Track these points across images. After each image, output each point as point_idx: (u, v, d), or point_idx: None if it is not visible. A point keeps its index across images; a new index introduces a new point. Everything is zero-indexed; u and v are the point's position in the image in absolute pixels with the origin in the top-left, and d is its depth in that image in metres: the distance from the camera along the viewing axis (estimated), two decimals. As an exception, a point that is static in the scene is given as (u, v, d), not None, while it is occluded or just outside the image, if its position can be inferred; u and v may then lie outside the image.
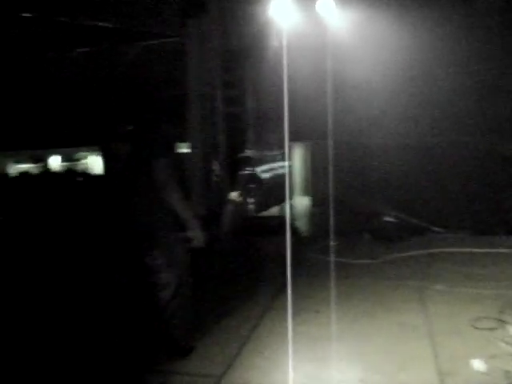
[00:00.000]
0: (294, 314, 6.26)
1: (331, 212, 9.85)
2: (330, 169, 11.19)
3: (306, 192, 18.13)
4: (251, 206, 13.25)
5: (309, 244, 11.04)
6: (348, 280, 8.47)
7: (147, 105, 6.28)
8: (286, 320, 5.48)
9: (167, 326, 5.85)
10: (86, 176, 20.53)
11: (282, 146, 13.79)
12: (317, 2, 11.38)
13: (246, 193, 13.21)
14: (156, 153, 5.44)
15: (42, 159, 24.78)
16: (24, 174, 21.05)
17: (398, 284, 8.24)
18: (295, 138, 13.72)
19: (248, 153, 13.52)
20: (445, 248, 10.17)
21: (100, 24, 15.25)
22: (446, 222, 11.65)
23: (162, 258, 5.67)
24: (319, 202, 15.46)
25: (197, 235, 5.61)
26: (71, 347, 6.35)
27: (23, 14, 13.97)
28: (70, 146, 22.65)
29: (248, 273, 9.36)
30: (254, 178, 13.43)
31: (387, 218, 11.71)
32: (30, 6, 13.18)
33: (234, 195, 12.69)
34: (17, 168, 24.32)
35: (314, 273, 8.93)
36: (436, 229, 11.68)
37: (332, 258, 9.13)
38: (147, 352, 6.07)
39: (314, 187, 17.25)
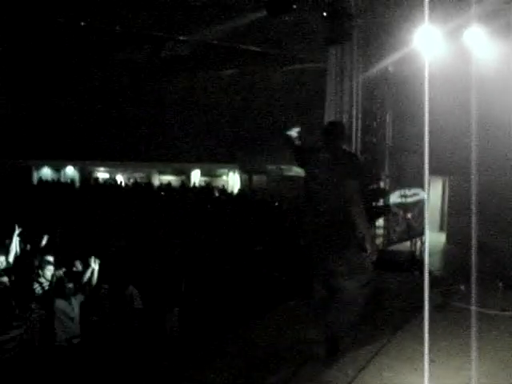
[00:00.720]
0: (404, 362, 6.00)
1: (468, 252, 9.30)
2: (470, 206, 10.63)
3: (441, 228, 17.39)
4: (380, 239, 12.87)
5: (438, 284, 10.48)
6: (472, 330, 7.89)
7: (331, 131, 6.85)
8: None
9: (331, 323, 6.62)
10: (224, 193, 21.34)
11: (419, 179, 13.31)
12: (464, 33, 10.94)
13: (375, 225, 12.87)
14: (350, 175, 6.41)
15: (183, 172, 26.05)
16: (168, 186, 22.22)
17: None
18: (434, 171, 13.24)
19: (382, 184, 13.17)
20: None
21: (248, 47, 15.81)
22: None
23: (345, 266, 6.52)
24: (454, 240, 14.75)
25: (373, 248, 6.67)
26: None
27: (179, 37, 14.82)
28: (211, 161, 23.59)
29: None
30: (386, 210, 13.04)
31: (525, 267, 10.80)
32: (181, 29, 13.97)
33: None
34: (161, 179, 25.76)
35: (439, 318, 8.42)
36: None
37: (460, 304, 8.60)
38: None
39: (450, 224, 16.50)
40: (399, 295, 9.91)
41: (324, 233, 6.53)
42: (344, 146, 7.01)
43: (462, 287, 9.55)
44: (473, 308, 8.92)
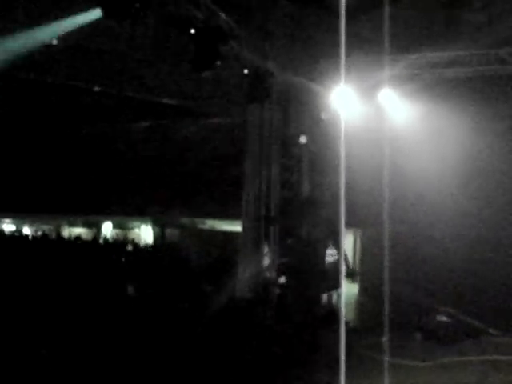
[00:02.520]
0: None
1: (381, 303, 9.51)
2: (382, 258, 10.92)
3: (353, 279, 17.74)
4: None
5: (356, 338, 10.61)
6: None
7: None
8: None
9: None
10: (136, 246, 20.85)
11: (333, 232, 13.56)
12: (379, 93, 11.51)
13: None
14: None
15: (94, 224, 25.34)
16: (77, 239, 21.43)
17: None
18: (346, 224, 13.56)
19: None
20: (501, 355, 9.58)
21: (164, 101, 15.80)
22: (505, 323, 11.05)
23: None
24: (368, 292, 15.09)
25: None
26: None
27: (94, 88, 14.58)
28: (122, 214, 23.11)
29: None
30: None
31: (440, 317, 11.19)
32: (98, 79, 13.76)
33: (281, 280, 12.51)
34: (71, 231, 24.92)
35: (362, 372, 8.50)
36: (493, 331, 11.09)
37: (381, 357, 8.72)
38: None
39: (362, 275, 16.89)
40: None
41: None
42: None
43: (384, 339, 9.72)
44: (396, 360, 9.11)
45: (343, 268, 13.61)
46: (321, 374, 8.39)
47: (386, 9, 9.55)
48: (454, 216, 12.43)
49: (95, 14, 7.45)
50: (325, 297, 13.49)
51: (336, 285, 13.49)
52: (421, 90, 11.19)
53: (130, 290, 12.18)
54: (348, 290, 15.54)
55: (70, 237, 21.90)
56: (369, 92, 11.41)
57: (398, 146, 11.31)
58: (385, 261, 10.87)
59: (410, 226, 13.01)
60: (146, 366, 8.26)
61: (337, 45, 7.96)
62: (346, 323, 12.57)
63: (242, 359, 8.93)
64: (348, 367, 7.09)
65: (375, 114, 11.51)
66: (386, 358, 8.61)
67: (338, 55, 8.88)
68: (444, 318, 11.22)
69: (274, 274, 12.52)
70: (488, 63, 10.93)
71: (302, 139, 12.40)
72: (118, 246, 20.75)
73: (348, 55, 9.61)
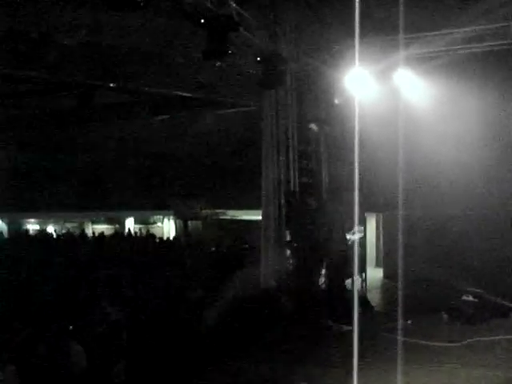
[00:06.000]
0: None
1: (407, 287, 9.42)
2: (405, 241, 10.82)
3: (377, 264, 17.67)
4: (321, 279, 12.87)
5: (381, 321, 10.55)
6: (424, 366, 7.93)
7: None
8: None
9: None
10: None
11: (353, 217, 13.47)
12: (394, 74, 11.36)
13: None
14: None
15: (117, 221, 25.50)
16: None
17: (484, 374, 7.61)
18: (368, 208, 13.50)
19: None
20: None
21: (179, 93, 15.80)
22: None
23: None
24: (392, 275, 15.00)
25: None
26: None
27: (110, 84, 14.63)
28: (144, 209, 23.23)
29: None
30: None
31: (466, 297, 11.06)
32: (114, 75, 13.80)
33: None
34: (94, 228, 25.11)
35: (388, 356, 8.41)
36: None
37: (407, 339, 8.64)
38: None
39: (386, 259, 16.80)
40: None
41: None
42: None
43: (409, 322, 9.63)
44: (422, 342, 9.03)
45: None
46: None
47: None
48: (476, 196, 12.29)
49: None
50: (349, 282, 13.41)
51: (360, 269, 13.44)
52: (437, 69, 11.01)
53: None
54: (373, 274, 15.51)
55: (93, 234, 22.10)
56: (384, 73, 11.26)
57: (415, 126, 11.18)
58: (407, 243, 10.80)
59: (431, 208, 12.90)
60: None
61: (351, 27, 7.86)
62: (372, 307, 12.62)
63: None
64: (371, 350, 7.03)
65: (391, 96, 11.36)
66: (409, 340, 8.52)
67: (352, 37, 8.81)
68: (470, 298, 11.08)
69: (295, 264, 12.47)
70: (505, 37, 10.70)
71: (314, 126, 12.32)
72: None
73: (362, 37, 9.54)
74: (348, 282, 13.21)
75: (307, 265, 12.40)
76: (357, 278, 12.84)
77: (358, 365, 6.59)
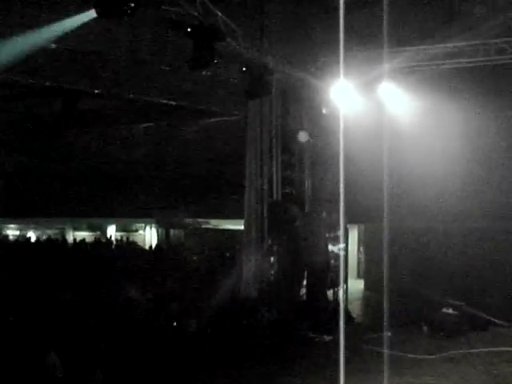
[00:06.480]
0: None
1: (388, 298, 9.47)
2: (385, 252, 10.89)
3: (358, 275, 17.71)
4: (302, 290, 12.87)
5: (362, 332, 10.58)
6: (403, 377, 7.96)
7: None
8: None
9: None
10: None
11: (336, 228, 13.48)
12: (378, 87, 11.45)
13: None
14: None
15: (99, 228, 25.31)
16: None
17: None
18: (349, 219, 13.54)
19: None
20: (508, 347, 9.51)
21: (163, 101, 15.76)
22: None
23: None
24: (373, 287, 15.06)
25: None
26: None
27: (95, 91, 14.54)
28: (126, 216, 23.09)
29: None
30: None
31: (446, 310, 11.13)
32: (99, 82, 13.73)
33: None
34: (75, 235, 24.89)
35: (368, 367, 8.44)
36: (500, 322, 11.03)
37: (387, 351, 8.67)
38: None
39: (367, 270, 16.86)
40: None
41: None
42: None
43: (389, 334, 9.67)
44: (402, 354, 9.06)
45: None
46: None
47: (385, 2, 9.52)
48: (457, 209, 12.38)
49: (89, 15, 7.39)
50: (330, 293, 13.44)
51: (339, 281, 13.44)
52: (420, 82, 11.13)
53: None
54: (354, 286, 15.55)
55: (74, 241, 21.87)
56: (368, 86, 11.34)
57: (399, 138, 11.28)
58: (388, 255, 10.86)
59: (413, 220, 12.96)
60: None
61: (336, 39, 7.91)
62: (353, 318, 12.63)
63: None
64: (352, 362, 7.05)
65: (375, 108, 11.45)
66: (389, 352, 8.55)
67: (337, 50, 8.88)
68: (450, 311, 11.16)
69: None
70: (487, 54, 10.85)
71: (302, 136, 12.36)
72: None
73: (347, 50, 9.61)
74: (329, 292, 13.27)
75: (289, 275, 12.38)
76: (340, 289, 12.91)
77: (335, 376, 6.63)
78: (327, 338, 10.34)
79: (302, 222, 12.59)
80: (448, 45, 11.06)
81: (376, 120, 11.39)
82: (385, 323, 9.64)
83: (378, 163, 11.35)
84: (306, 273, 12.61)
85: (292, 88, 12.31)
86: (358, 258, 18.20)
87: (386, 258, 10.76)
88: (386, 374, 7.41)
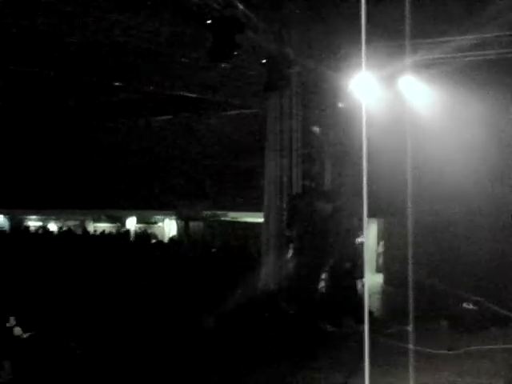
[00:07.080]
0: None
1: (407, 293, 9.39)
2: (406, 247, 10.79)
3: (377, 269, 17.63)
4: (321, 283, 12.82)
5: (381, 326, 10.51)
6: (423, 373, 7.88)
7: None
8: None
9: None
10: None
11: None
12: (399, 80, 11.34)
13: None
14: None
15: (118, 219, 25.51)
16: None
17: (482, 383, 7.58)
18: (369, 214, 13.39)
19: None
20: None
21: (183, 94, 15.79)
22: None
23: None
24: (392, 281, 14.98)
25: None
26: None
27: (115, 83, 14.61)
28: (146, 209, 23.22)
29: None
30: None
31: (467, 305, 11.02)
32: (118, 75, 13.79)
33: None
34: (95, 226, 25.14)
35: (389, 362, 8.38)
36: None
37: (406, 345, 8.61)
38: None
39: (387, 265, 16.76)
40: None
41: None
42: None
43: (408, 328, 9.60)
44: (421, 349, 8.98)
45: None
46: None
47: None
48: (479, 203, 12.24)
49: None
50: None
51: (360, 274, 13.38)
52: (443, 75, 10.98)
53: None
54: (373, 280, 15.49)
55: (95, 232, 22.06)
56: (390, 79, 11.23)
57: (420, 132, 11.15)
58: (409, 249, 10.76)
59: (435, 215, 12.85)
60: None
61: (358, 31, 7.82)
62: (371, 313, 12.56)
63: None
64: (373, 356, 7.00)
65: (396, 101, 11.34)
66: (409, 346, 8.48)
67: (358, 42, 8.77)
68: (470, 306, 11.05)
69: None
70: (510, 45, 10.67)
71: (316, 129, 12.30)
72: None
73: (369, 42, 9.50)
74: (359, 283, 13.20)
75: (310, 268, 12.35)
76: (362, 282, 12.85)
77: (357, 371, 6.57)
78: (330, 328, 10.34)
79: (333, 216, 12.51)
80: (471, 36, 10.89)
81: (397, 114, 11.27)
82: (404, 318, 9.57)
83: (399, 157, 11.23)
84: (325, 267, 12.55)
85: (312, 80, 12.24)
86: (377, 253, 18.11)
87: (408, 252, 10.64)
88: (410, 369, 7.35)
